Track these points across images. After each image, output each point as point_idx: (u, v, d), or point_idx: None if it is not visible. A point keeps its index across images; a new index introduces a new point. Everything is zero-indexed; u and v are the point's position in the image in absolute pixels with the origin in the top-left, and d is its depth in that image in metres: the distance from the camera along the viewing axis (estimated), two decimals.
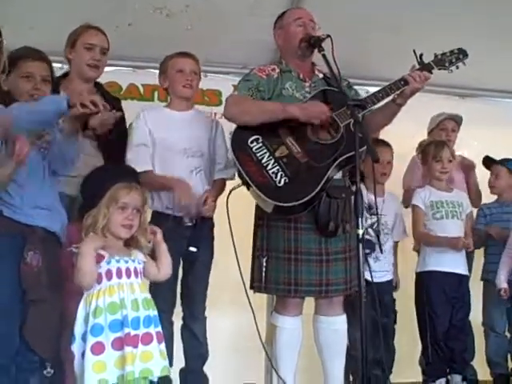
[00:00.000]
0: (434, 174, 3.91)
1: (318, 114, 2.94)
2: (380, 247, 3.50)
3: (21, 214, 2.64)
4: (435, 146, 3.92)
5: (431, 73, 3.11)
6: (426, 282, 3.81)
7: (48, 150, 2.76)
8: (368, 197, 3.50)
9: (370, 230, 3.58)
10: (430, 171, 3.95)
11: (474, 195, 4.20)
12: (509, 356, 3.99)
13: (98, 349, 2.35)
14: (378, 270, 3.64)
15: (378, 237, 3.58)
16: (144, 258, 2.57)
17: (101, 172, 2.79)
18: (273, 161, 2.90)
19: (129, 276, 2.47)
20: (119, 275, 2.46)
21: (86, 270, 2.40)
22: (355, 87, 3.33)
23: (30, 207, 2.66)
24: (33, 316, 2.61)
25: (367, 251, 3.60)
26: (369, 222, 3.67)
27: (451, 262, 3.78)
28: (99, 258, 2.45)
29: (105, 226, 2.48)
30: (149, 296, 2.53)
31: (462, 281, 3.84)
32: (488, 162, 4.17)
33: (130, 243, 2.57)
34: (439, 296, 3.77)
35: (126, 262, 2.49)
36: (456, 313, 3.80)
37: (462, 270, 3.84)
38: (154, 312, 2.50)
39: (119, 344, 2.36)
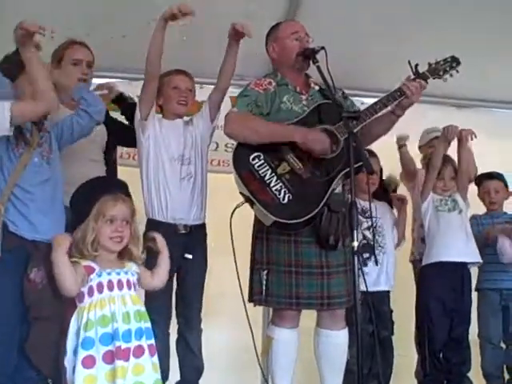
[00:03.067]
0: (436, 191, 3.95)
1: (320, 150, 2.90)
2: (375, 256, 3.47)
3: (25, 228, 2.63)
4: None
5: (427, 82, 3.11)
6: (425, 275, 3.86)
7: (49, 157, 2.77)
8: (360, 203, 3.50)
9: (367, 233, 3.56)
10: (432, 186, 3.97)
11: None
12: (505, 367, 3.97)
13: (89, 362, 2.34)
14: (376, 277, 3.66)
15: (373, 239, 3.56)
16: (138, 268, 2.55)
17: (88, 186, 2.78)
18: (275, 178, 2.90)
19: (121, 288, 2.46)
20: (110, 288, 2.44)
21: (65, 274, 2.38)
22: (352, 98, 3.33)
23: (35, 216, 2.66)
24: (36, 333, 2.60)
25: (366, 255, 3.60)
26: (365, 225, 3.67)
27: (452, 252, 3.79)
28: (89, 270, 2.43)
29: (94, 241, 2.46)
30: (142, 308, 2.50)
31: (463, 277, 3.84)
32: (487, 177, 4.15)
33: (124, 255, 2.55)
34: (437, 308, 3.78)
35: (118, 273, 2.48)
36: (456, 326, 3.81)
37: (466, 257, 3.84)
38: (146, 324, 2.48)
39: (110, 357, 2.35)
